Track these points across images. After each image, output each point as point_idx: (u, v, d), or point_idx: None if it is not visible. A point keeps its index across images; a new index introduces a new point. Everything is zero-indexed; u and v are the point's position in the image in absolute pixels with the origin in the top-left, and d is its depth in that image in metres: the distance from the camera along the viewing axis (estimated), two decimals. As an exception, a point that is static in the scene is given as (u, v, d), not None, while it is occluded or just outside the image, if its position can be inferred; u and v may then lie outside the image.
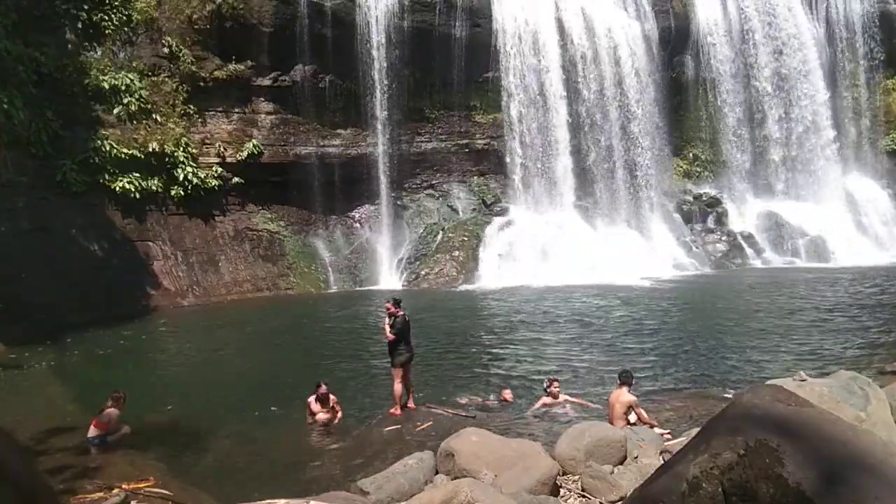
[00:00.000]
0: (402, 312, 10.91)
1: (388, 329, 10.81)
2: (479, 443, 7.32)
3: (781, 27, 34.24)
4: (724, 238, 30.89)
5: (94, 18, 23.47)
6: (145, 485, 7.63)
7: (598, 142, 31.27)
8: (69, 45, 23.42)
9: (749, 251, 30.54)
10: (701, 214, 31.95)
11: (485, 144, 31.34)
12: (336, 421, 10.55)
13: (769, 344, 14.65)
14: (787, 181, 34.15)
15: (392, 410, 10.75)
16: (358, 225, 29.56)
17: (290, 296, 25.63)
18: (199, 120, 26.70)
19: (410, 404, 10.97)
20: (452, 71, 30.20)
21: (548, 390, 10.88)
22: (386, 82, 28.97)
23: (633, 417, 9.32)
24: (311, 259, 27.68)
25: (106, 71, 23.86)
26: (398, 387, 10.79)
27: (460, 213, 30.49)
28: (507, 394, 11.24)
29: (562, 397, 10.87)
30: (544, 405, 10.76)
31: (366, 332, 18.15)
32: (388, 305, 11.03)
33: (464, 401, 11.29)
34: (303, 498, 5.90)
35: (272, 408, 11.53)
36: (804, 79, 34.20)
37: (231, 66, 26.78)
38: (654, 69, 32.53)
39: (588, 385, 12.20)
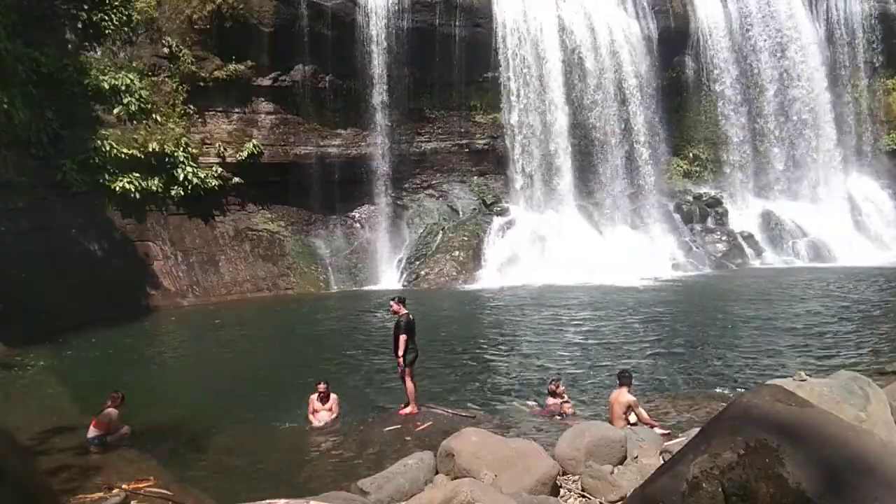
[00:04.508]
0: (405, 311, 10.81)
1: (401, 348, 10.49)
2: (479, 443, 7.32)
3: (782, 27, 34.23)
4: (724, 238, 30.89)
5: (94, 18, 23.44)
6: (145, 485, 7.64)
7: (597, 142, 31.28)
8: (69, 45, 23.40)
9: (749, 251, 30.54)
10: (701, 214, 31.94)
11: (485, 144, 31.34)
12: (335, 419, 10.55)
13: (769, 344, 14.64)
14: (787, 181, 34.14)
15: (409, 410, 10.61)
16: (358, 225, 29.55)
17: (289, 296, 25.62)
18: (199, 120, 26.71)
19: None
20: (452, 71, 30.18)
21: (556, 392, 10.85)
22: (386, 82, 28.96)
23: (633, 418, 9.32)
24: (311, 259, 27.67)
25: (106, 71, 23.85)
26: (411, 385, 10.70)
27: (460, 213, 30.47)
28: (569, 407, 10.58)
29: (565, 398, 10.85)
30: (547, 405, 10.75)
31: (365, 332, 18.16)
32: (392, 304, 10.86)
33: (517, 405, 11.14)
34: (303, 498, 5.90)
35: (272, 408, 11.52)
36: (804, 79, 34.20)
37: (231, 66, 26.78)
38: (654, 69, 32.54)
39: (588, 385, 12.20)
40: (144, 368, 15.19)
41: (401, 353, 10.53)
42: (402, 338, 10.52)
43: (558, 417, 10.33)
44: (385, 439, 9.62)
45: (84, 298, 19.86)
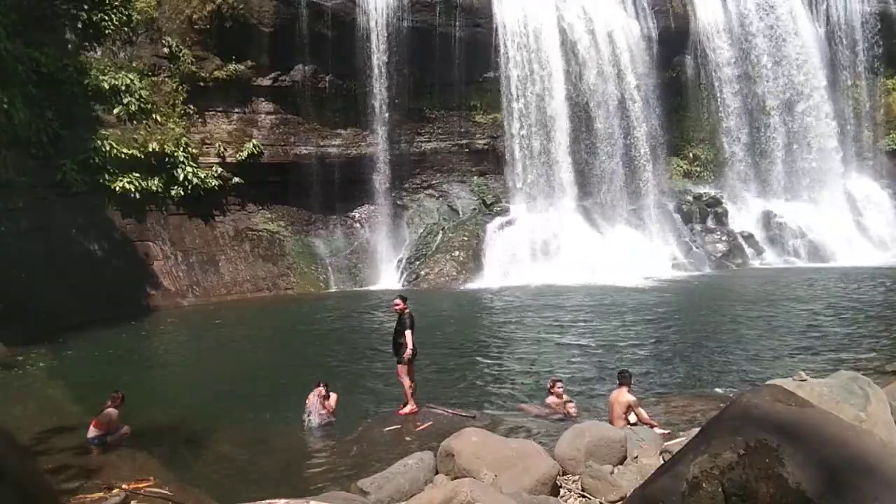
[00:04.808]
0: (408, 309, 10.83)
1: (410, 341, 10.49)
2: (479, 443, 7.31)
3: (782, 27, 34.24)
4: (724, 238, 30.89)
5: (94, 18, 23.46)
6: (145, 485, 7.63)
7: (598, 141, 31.27)
8: (69, 45, 23.41)
9: (749, 251, 30.54)
10: (701, 214, 31.94)
11: (485, 144, 31.34)
12: (334, 417, 10.55)
13: (769, 344, 14.65)
14: (787, 181, 34.14)
15: (408, 409, 10.53)
16: (358, 225, 29.56)
17: (289, 296, 25.63)
18: (199, 120, 26.72)
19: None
20: (452, 71, 30.18)
21: (550, 391, 10.85)
22: (386, 82, 28.97)
23: (633, 417, 9.31)
24: (311, 259, 27.68)
25: (106, 71, 23.86)
26: (410, 384, 10.61)
27: (460, 213, 30.48)
28: (572, 407, 10.49)
29: (564, 398, 10.84)
30: (546, 405, 10.74)
31: (365, 333, 18.17)
32: (399, 301, 10.81)
33: (522, 406, 11.09)
34: (303, 498, 5.91)
35: (272, 408, 11.53)
36: (804, 79, 34.20)
37: (231, 66, 26.79)
38: (654, 69, 32.55)
39: (588, 385, 12.20)
40: (144, 368, 15.20)
41: (411, 346, 10.49)
42: (409, 333, 10.55)
43: (562, 418, 10.29)
44: (385, 439, 9.61)
45: (84, 298, 19.86)
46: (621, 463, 7.51)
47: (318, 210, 28.92)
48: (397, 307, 10.79)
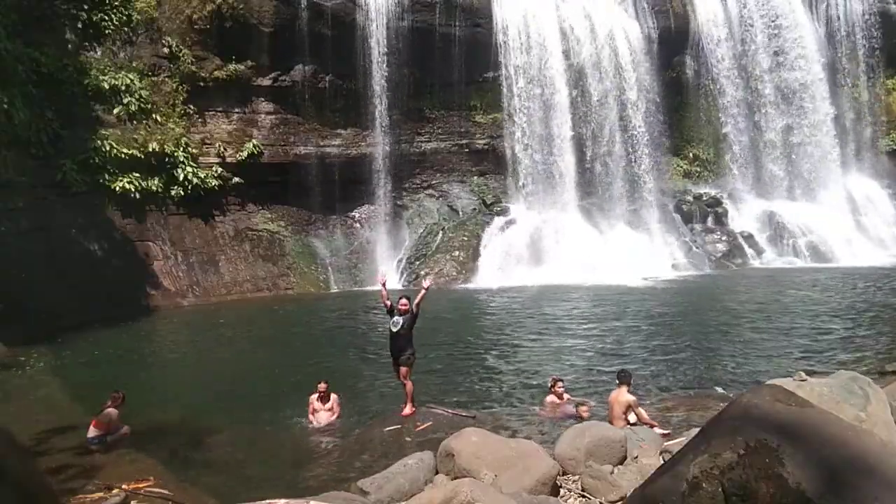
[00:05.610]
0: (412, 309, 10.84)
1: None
2: (479, 443, 7.32)
3: (782, 27, 34.24)
4: (724, 238, 30.88)
5: (94, 18, 23.44)
6: (145, 485, 7.64)
7: (598, 141, 31.27)
8: (69, 45, 23.40)
9: (749, 251, 30.53)
10: (701, 214, 31.92)
11: (485, 144, 31.33)
12: (335, 419, 10.56)
13: (769, 344, 14.64)
14: (787, 181, 34.12)
15: (408, 410, 10.47)
16: (358, 225, 29.56)
17: (289, 296, 25.62)
18: (199, 120, 26.72)
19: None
20: (452, 71, 30.17)
21: (551, 390, 10.85)
22: (386, 82, 28.96)
23: (632, 417, 9.31)
24: (311, 259, 27.68)
25: (106, 71, 23.85)
26: (410, 384, 10.63)
27: (460, 213, 30.47)
28: (584, 410, 10.24)
29: (565, 397, 10.85)
30: (547, 405, 10.74)
31: (365, 333, 18.17)
32: (405, 301, 10.85)
33: (536, 409, 10.99)
34: (303, 498, 5.91)
35: (272, 408, 11.52)
36: (804, 79, 34.20)
37: (231, 66, 26.78)
38: (654, 69, 32.54)
39: (588, 385, 12.19)
40: (144, 368, 15.19)
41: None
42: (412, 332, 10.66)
43: (571, 421, 10.18)
44: (385, 439, 9.61)
45: (84, 298, 19.86)
46: (621, 463, 7.53)
47: (318, 210, 28.92)
48: (403, 307, 10.82)
